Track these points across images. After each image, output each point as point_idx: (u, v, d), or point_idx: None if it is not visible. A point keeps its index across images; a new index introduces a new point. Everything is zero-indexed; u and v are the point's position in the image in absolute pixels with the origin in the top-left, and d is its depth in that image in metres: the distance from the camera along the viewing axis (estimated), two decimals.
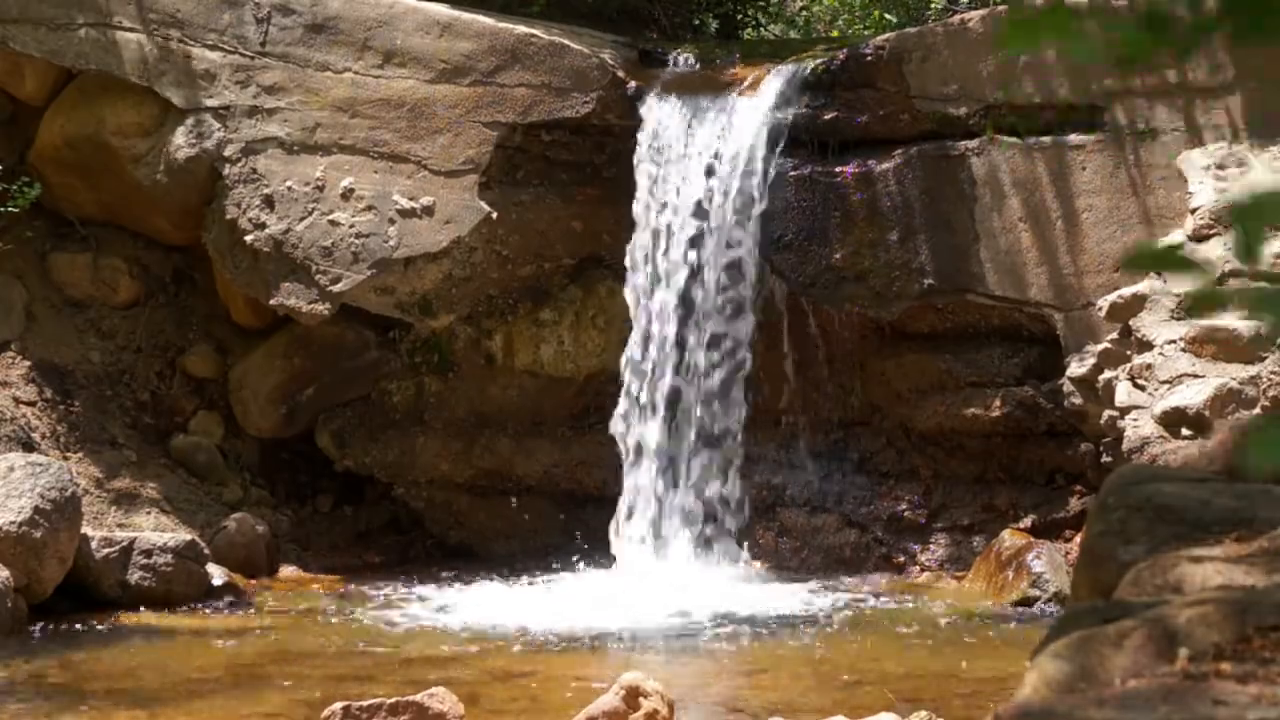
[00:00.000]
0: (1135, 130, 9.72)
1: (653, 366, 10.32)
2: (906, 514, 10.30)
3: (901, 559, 10.25)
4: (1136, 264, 2.03)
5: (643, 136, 10.36)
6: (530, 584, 10.08)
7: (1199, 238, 8.84)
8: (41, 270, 11.34)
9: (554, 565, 10.38)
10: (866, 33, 12.97)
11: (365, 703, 6.55)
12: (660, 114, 10.39)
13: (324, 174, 10.67)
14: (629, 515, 10.24)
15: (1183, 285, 8.70)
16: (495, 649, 8.46)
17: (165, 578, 9.22)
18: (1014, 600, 9.18)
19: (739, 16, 13.76)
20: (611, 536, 10.23)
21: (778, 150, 10.22)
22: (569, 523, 10.68)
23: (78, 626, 8.82)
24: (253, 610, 9.38)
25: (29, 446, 10.01)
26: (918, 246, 10.05)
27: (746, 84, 10.50)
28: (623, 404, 10.32)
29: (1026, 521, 9.96)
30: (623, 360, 10.35)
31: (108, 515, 10.14)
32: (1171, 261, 2.03)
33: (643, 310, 10.34)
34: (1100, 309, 9.47)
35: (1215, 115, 9.62)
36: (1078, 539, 9.24)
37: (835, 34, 14.27)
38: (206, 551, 9.60)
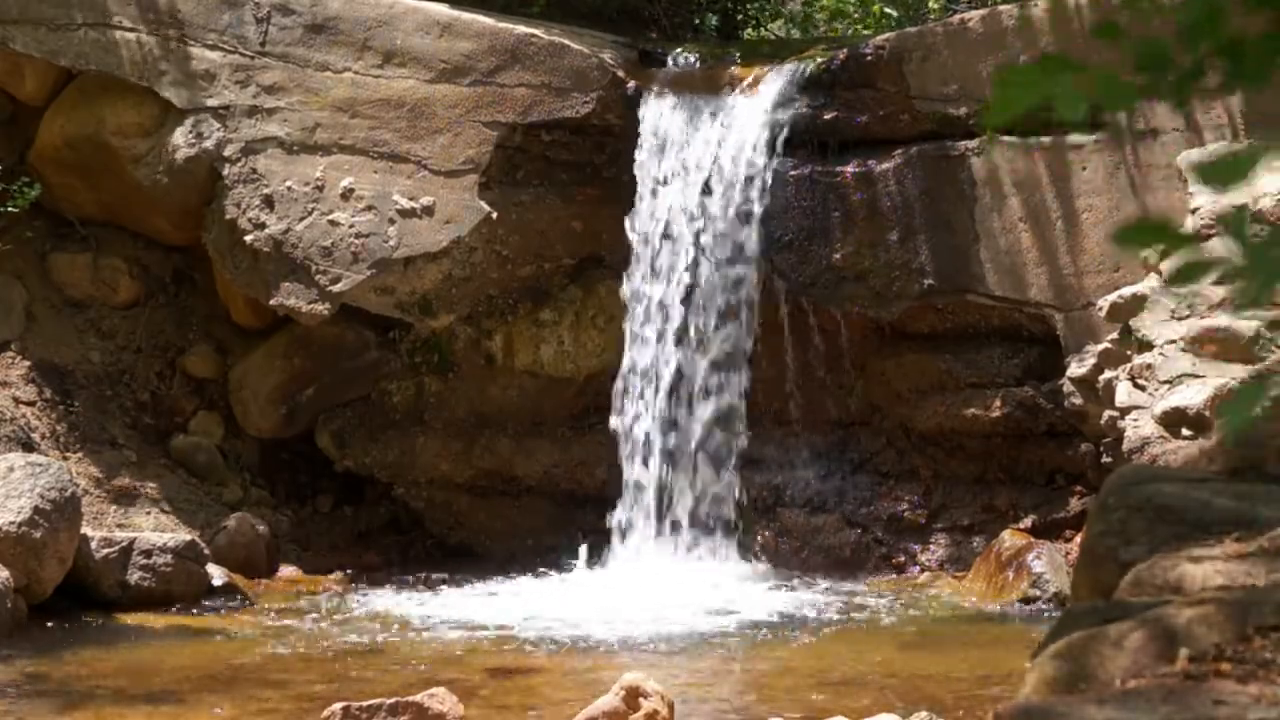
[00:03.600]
0: (1135, 130, 9.72)
1: (652, 366, 10.32)
2: (906, 514, 10.29)
3: (901, 559, 10.25)
4: (1128, 239, 2.02)
5: (643, 137, 10.35)
6: (530, 584, 10.08)
7: (1199, 238, 8.83)
8: (41, 270, 11.34)
9: (554, 565, 10.37)
10: (866, 33, 12.97)
11: (365, 703, 6.55)
12: (660, 114, 10.39)
13: (324, 174, 10.66)
14: (629, 515, 10.24)
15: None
16: (495, 649, 8.46)
17: (165, 578, 9.21)
18: (1014, 600, 9.17)
19: (739, 16, 13.74)
20: (611, 537, 10.23)
21: (778, 150, 10.21)
22: (569, 523, 10.67)
23: (78, 626, 8.82)
24: (252, 610, 9.37)
25: (29, 446, 10.01)
26: (918, 246, 10.05)
27: (746, 84, 10.49)
28: (623, 403, 10.32)
29: (1026, 522, 9.95)
30: (623, 360, 10.35)
31: (108, 515, 10.13)
32: (1166, 235, 2.01)
33: (642, 310, 10.33)
34: (1100, 309, 9.46)
35: (1215, 115, 9.61)
36: (1078, 539, 9.23)
37: (835, 34, 14.26)
38: (206, 552, 9.59)
